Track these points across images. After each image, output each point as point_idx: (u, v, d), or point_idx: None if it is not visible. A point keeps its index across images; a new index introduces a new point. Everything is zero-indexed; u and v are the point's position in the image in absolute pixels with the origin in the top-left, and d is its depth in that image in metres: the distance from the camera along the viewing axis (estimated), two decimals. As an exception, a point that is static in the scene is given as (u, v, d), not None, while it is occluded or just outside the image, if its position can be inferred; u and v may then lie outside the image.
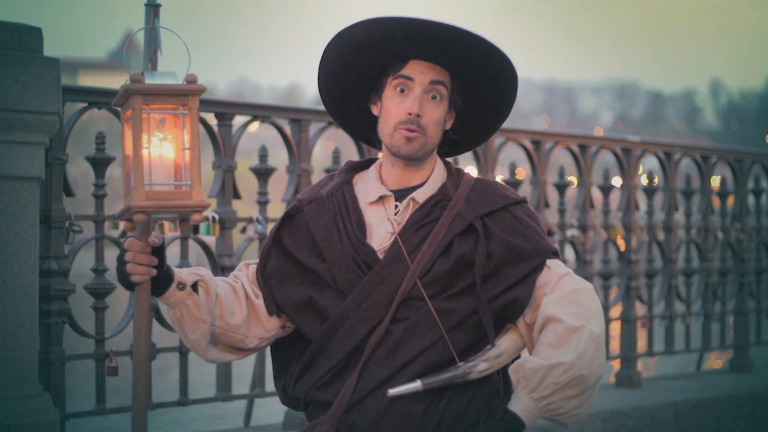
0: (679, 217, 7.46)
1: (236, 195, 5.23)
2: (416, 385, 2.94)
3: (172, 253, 5.15)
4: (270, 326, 3.11)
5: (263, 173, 5.37)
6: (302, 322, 3.07)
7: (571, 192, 6.80)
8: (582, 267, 6.72)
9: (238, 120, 5.29)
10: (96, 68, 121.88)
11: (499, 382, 3.09)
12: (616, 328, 7.07)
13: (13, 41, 4.18)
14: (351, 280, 3.01)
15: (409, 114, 3.01)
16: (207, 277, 3.06)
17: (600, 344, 2.98)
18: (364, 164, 3.20)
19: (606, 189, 6.94)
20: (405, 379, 2.95)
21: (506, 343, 3.03)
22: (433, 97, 3.04)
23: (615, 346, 7.20)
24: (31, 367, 4.24)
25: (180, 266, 5.00)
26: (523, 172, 6.58)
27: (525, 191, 6.57)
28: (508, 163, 6.55)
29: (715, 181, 7.86)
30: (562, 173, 6.69)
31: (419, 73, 3.04)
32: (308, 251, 3.08)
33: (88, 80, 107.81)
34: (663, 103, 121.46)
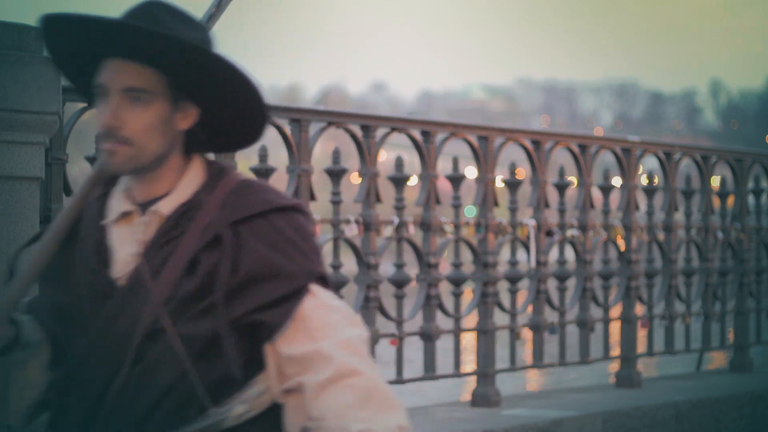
0: (679, 217, 7.45)
1: (236, 195, 5.21)
2: None
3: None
4: None
5: (263, 173, 5.36)
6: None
7: (571, 192, 6.79)
8: (582, 267, 6.72)
9: (239, 120, 5.28)
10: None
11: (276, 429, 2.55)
12: (616, 328, 7.07)
13: (13, 41, 4.17)
14: (91, 318, 2.53)
15: (105, 127, 2.54)
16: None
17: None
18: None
19: (606, 189, 6.94)
20: (154, 427, 2.45)
21: (271, 379, 2.52)
22: (135, 100, 2.51)
23: (615, 346, 7.19)
24: (31, 367, 4.23)
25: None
26: (523, 172, 6.58)
27: (525, 191, 6.58)
28: (508, 163, 6.55)
29: (715, 181, 7.86)
30: (562, 173, 6.68)
31: (110, 79, 2.52)
32: (56, 283, 2.63)
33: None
34: (663, 103, 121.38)
